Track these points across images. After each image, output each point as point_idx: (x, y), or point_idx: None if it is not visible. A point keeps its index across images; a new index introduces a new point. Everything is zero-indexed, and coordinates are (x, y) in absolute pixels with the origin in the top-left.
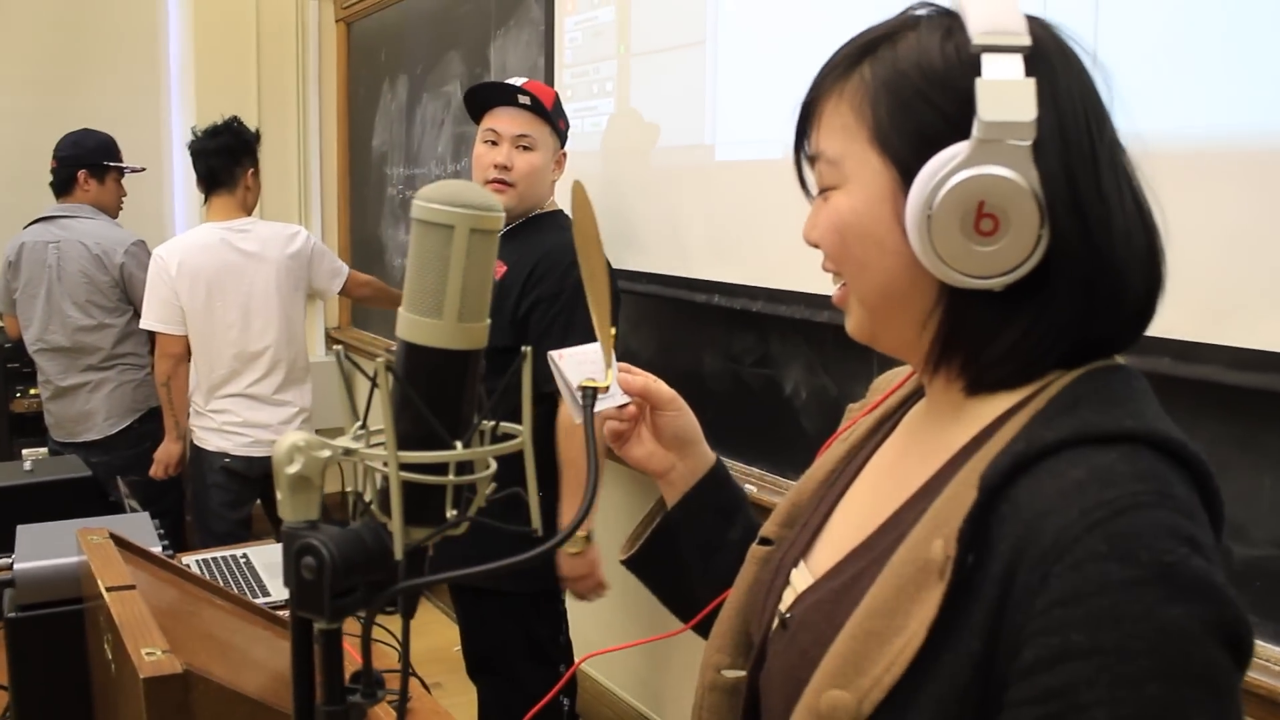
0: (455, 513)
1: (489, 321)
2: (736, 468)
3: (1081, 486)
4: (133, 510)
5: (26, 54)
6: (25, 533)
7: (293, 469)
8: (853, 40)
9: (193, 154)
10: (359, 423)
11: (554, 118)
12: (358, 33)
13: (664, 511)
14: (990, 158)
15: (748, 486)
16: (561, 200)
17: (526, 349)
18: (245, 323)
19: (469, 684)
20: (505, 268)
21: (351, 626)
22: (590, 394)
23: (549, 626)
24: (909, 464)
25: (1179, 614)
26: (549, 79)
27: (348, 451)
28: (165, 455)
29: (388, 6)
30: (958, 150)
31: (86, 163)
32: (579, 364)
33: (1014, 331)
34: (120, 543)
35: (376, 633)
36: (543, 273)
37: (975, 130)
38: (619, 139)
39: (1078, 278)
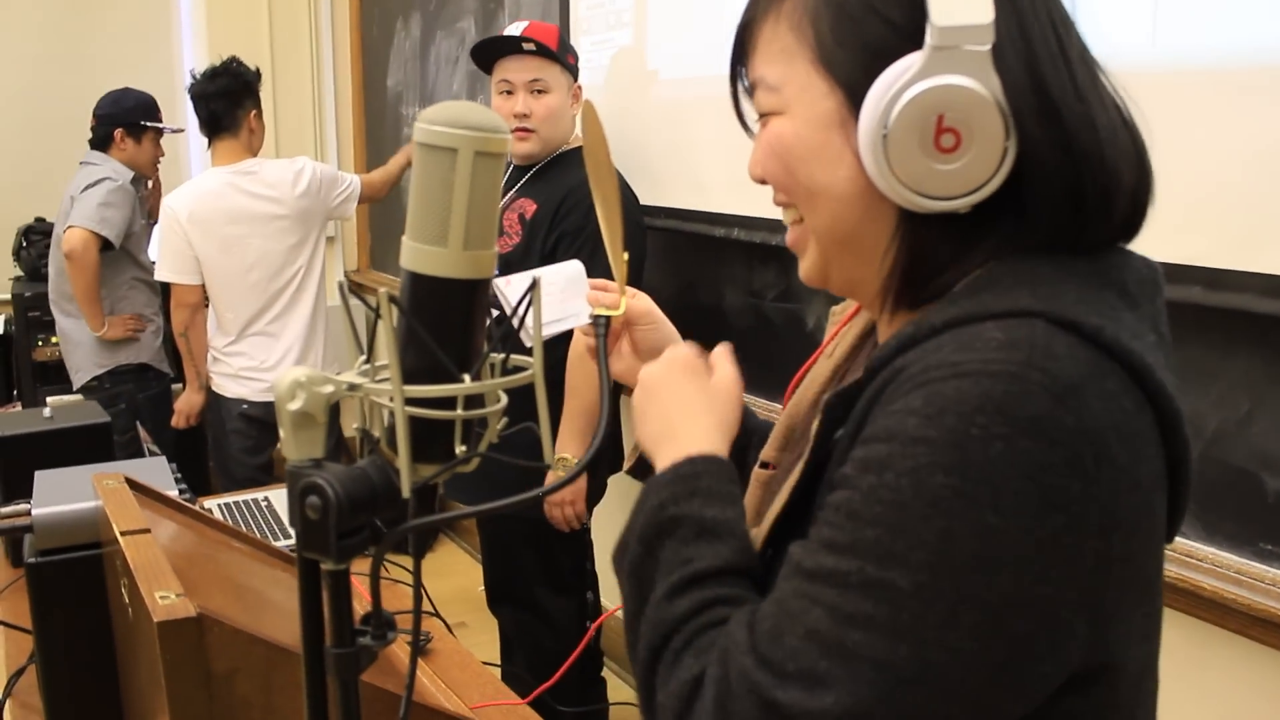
0: (464, 448)
1: (496, 249)
2: (759, 404)
3: (940, 347)
4: (152, 454)
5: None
6: (43, 479)
7: (295, 405)
8: None
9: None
10: (363, 356)
11: (561, 56)
12: None
13: None
14: (947, 66)
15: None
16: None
17: (537, 277)
18: (264, 262)
19: (494, 622)
20: (535, 205)
21: (366, 566)
22: (603, 321)
23: (573, 555)
24: None
25: (940, 483)
26: (564, 11)
27: (352, 386)
28: (187, 405)
29: None
30: (910, 61)
31: (123, 121)
32: (549, 283)
33: (980, 256)
34: (136, 487)
35: (399, 573)
36: (570, 208)
37: (928, 38)
38: (635, 71)
39: (1059, 187)
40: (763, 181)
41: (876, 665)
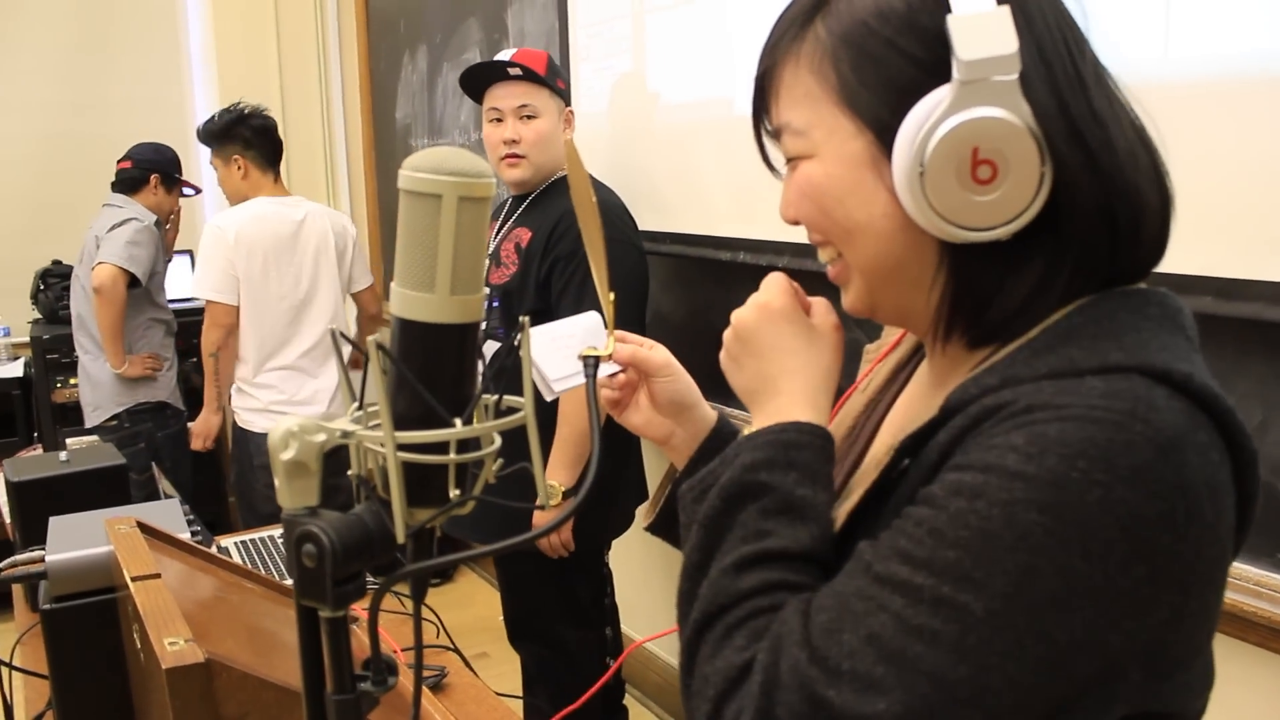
0: (459, 492)
1: (485, 292)
2: None
3: (1040, 389)
4: (167, 496)
5: (47, 42)
6: (57, 524)
7: (288, 455)
8: (790, 6)
9: (264, 131)
10: (356, 403)
11: (550, 80)
12: (376, 5)
13: (676, 478)
14: (977, 99)
15: None
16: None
17: (524, 319)
18: (298, 291)
19: (514, 653)
20: (530, 234)
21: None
22: (592, 362)
23: (592, 588)
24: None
25: (1033, 520)
26: (564, 40)
27: (345, 434)
28: (204, 427)
29: None
30: (940, 96)
31: (162, 170)
32: (551, 341)
33: (1029, 280)
34: (148, 530)
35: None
36: (561, 233)
37: (955, 71)
38: (636, 97)
39: (1092, 208)
40: (795, 223)
41: (934, 680)
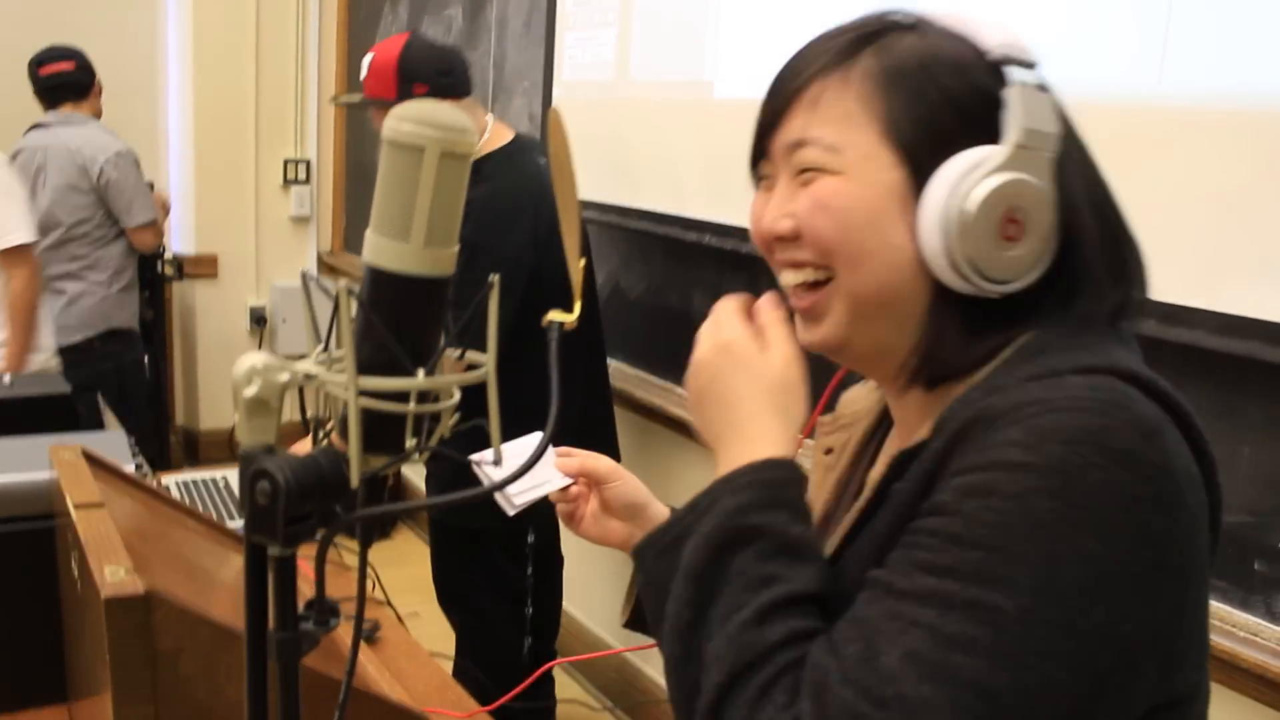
0: (415, 441)
1: (458, 247)
2: None
3: (1025, 388)
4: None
5: None
6: None
7: (250, 391)
8: (835, 35)
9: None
10: (321, 346)
11: (401, 94)
12: None
13: None
14: (1021, 164)
15: None
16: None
17: (494, 277)
18: None
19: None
20: None
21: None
22: (557, 325)
23: (515, 564)
24: None
25: (1046, 507)
26: (550, 4)
27: (308, 376)
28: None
29: None
30: (990, 153)
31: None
32: (510, 458)
33: (1001, 327)
34: (93, 460)
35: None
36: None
37: (1013, 136)
38: (619, 70)
39: (1103, 270)
40: (788, 234)
41: (978, 691)
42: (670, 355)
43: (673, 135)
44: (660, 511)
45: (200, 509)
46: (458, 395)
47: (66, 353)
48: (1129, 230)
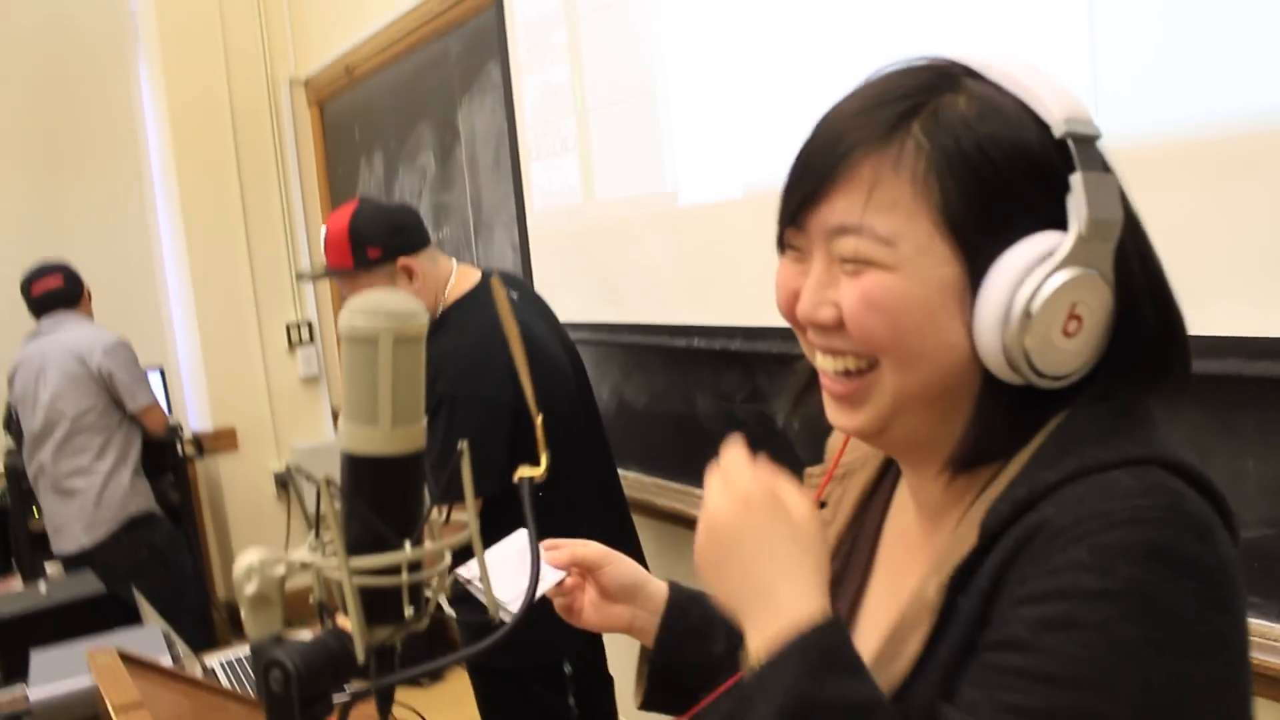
0: (413, 610)
1: (425, 421)
2: None
3: (1081, 499)
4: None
5: (5, 163)
6: (38, 659)
7: (250, 589)
8: (876, 99)
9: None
10: (313, 532)
11: (357, 261)
12: (330, 113)
13: (649, 657)
14: (1088, 258)
15: None
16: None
17: (463, 444)
18: None
19: None
20: None
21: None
22: (528, 481)
23: (559, 696)
24: (915, 555)
25: (1131, 635)
26: (513, 139)
27: (303, 565)
28: None
29: (356, 85)
30: (1053, 245)
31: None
32: (491, 568)
33: (1038, 419)
34: (129, 660)
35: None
36: (435, 374)
37: (1078, 226)
38: (584, 193)
39: (1160, 354)
40: (829, 326)
41: None
42: (684, 459)
43: (646, 247)
44: (659, 588)
45: (245, 686)
46: (448, 558)
47: (97, 551)
48: (1180, 314)
